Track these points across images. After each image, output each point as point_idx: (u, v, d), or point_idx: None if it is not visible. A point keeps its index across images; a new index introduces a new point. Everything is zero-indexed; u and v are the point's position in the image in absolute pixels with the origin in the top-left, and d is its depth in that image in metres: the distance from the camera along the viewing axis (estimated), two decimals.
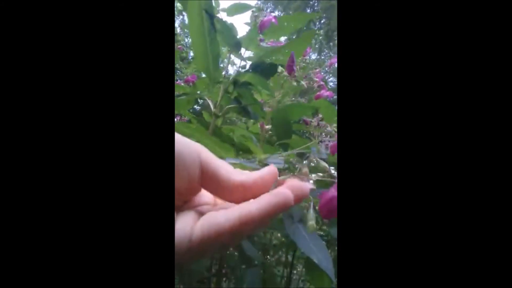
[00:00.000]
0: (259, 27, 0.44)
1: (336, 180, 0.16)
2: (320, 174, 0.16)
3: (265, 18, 0.43)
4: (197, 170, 0.16)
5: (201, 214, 0.15)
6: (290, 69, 0.35)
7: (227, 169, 0.16)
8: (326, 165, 0.16)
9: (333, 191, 0.17)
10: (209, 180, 0.16)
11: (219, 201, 0.18)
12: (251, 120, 0.65)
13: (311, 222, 0.15)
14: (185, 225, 0.14)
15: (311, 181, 0.16)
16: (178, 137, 0.16)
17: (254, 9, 0.51)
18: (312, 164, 0.16)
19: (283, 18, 0.51)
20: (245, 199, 0.16)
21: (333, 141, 0.24)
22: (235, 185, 0.16)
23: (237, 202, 0.16)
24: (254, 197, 0.15)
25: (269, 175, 0.16)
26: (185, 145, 0.15)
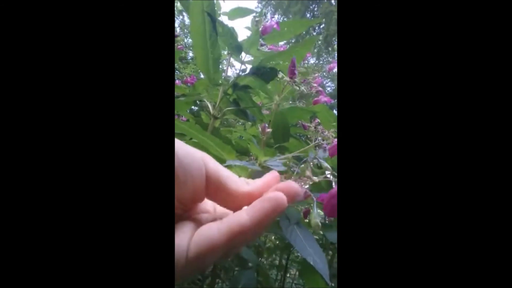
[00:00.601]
0: (261, 32, 0.45)
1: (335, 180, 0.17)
2: (321, 175, 0.16)
3: (268, 24, 0.44)
4: (203, 180, 0.15)
5: (200, 224, 0.15)
6: (291, 73, 0.35)
7: (233, 179, 0.16)
8: (328, 165, 0.16)
9: (334, 190, 0.17)
10: (215, 190, 0.16)
11: (219, 208, 0.18)
12: (249, 123, 0.65)
13: (316, 220, 0.16)
14: (182, 241, 0.14)
15: (310, 183, 0.16)
16: (182, 145, 0.15)
17: (256, 13, 0.51)
18: (312, 166, 0.17)
19: (284, 24, 0.51)
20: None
21: (330, 144, 0.24)
22: (243, 196, 0.16)
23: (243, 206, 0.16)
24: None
25: (272, 180, 0.16)
26: (189, 154, 0.15)
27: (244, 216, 0.14)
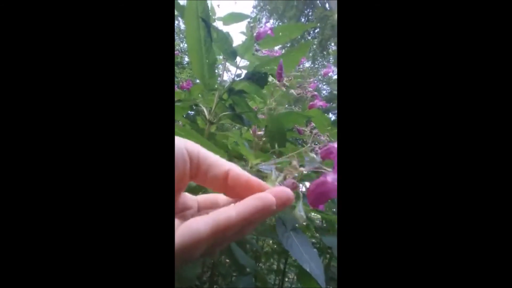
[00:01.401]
0: (255, 38, 0.45)
1: (324, 171, 0.17)
2: (311, 167, 0.16)
3: (262, 30, 0.44)
4: (186, 168, 0.16)
5: (184, 220, 0.15)
6: (279, 76, 0.36)
7: (214, 156, 0.17)
8: (315, 156, 0.16)
9: (320, 179, 0.17)
10: (198, 168, 0.16)
11: (202, 205, 0.18)
12: (245, 127, 0.65)
13: (300, 213, 0.16)
14: None
15: (296, 174, 0.16)
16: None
17: (250, 19, 0.51)
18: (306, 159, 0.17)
19: (278, 29, 0.52)
20: (234, 190, 0.16)
21: (322, 146, 0.24)
22: (224, 170, 0.16)
23: (226, 191, 0.16)
24: (241, 192, 0.15)
25: (259, 185, 0.16)
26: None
27: (231, 210, 0.14)
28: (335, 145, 0.25)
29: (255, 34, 0.45)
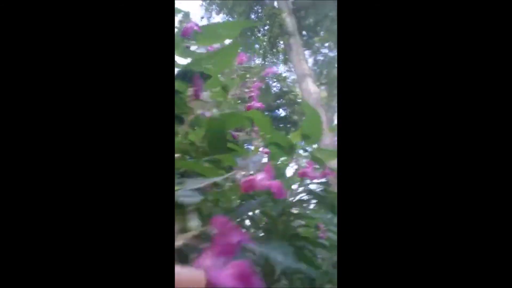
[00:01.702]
0: (181, 34, 0.42)
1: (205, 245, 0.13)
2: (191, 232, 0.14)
3: (188, 25, 0.41)
4: None
5: None
6: (195, 94, 0.33)
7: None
8: (197, 223, 0.15)
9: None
10: None
11: None
12: (190, 130, 0.61)
13: None
14: None
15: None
16: None
17: (181, 13, 0.48)
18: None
19: (216, 25, 0.49)
20: None
21: (245, 178, 0.22)
22: None
23: None
24: None
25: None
26: None
27: None
28: (258, 176, 0.23)
29: (182, 30, 0.42)
